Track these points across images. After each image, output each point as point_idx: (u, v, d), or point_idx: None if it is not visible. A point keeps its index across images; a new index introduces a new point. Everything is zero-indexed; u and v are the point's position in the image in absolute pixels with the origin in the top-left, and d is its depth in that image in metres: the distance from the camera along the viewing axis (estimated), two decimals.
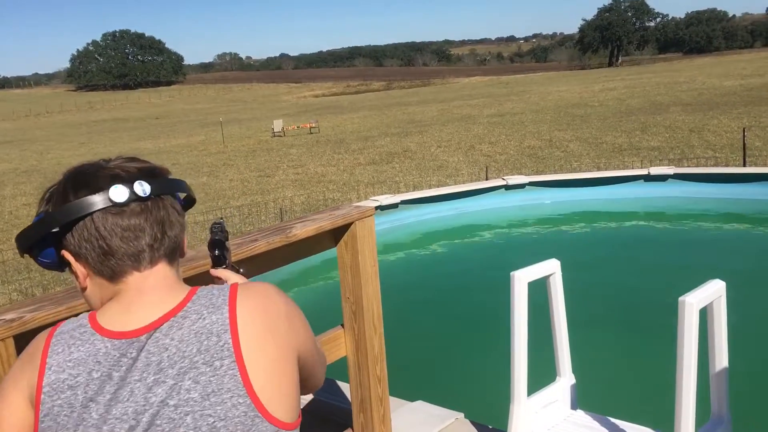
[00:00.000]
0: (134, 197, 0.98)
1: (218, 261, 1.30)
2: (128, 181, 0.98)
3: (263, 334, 0.98)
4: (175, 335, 0.96)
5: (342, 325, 2.50)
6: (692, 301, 2.29)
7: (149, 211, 1.00)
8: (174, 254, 1.05)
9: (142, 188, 0.99)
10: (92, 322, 1.00)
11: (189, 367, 0.94)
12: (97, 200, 0.96)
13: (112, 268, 0.99)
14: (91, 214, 0.97)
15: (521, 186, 9.15)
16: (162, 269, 1.02)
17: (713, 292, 2.42)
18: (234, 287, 1.03)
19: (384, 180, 13.23)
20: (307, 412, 3.04)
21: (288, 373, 1.00)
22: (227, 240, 1.33)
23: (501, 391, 2.84)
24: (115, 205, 0.97)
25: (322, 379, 1.23)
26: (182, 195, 1.12)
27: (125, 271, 1.00)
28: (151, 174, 1.02)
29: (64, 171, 1.04)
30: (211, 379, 0.94)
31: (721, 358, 2.52)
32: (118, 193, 0.97)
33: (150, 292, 1.00)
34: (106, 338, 0.97)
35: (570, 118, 21.48)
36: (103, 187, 0.97)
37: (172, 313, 0.99)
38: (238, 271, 1.32)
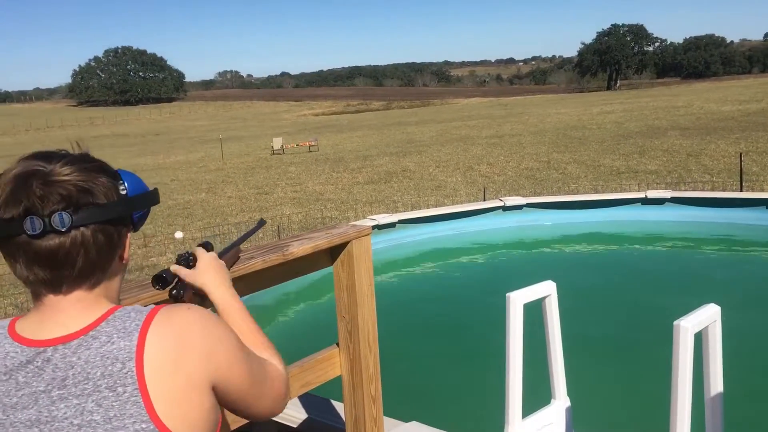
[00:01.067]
0: (50, 229, 0.96)
1: (171, 296, 1.31)
2: (46, 214, 0.96)
3: (171, 365, 0.98)
4: (83, 355, 0.97)
5: (337, 344, 2.50)
6: (687, 326, 2.29)
7: (64, 243, 0.98)
8: (93, 276, 1.03)
9: (61, 221, 0.97)
10: (10, 326, 1.03)
11: (92, 389, 0.95)
12: (13, 226, 0.96)
13: (30, 286, 1.02)
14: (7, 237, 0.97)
15: (519, 207, 9.17)
16: (77, 294, 1.02)
17: (708, 316, 2.42)
18: (153, 312, 1.03)
19: (382, 199, 13.26)
20: (297, 430, 3.02)
21: (197, 404, 1.00)
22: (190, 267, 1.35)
23: (496, 413, 2.83)
24: (29, 235, 0.96)
25: (273, 407, 1.20)
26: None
27: (41, 293, 1.02)
28: (82, 197, 0.99)
29: (18, 162, 1.02)
30: (114, 403, 0.95)
31: (716, 383, 2.51)
32: (32, 225, 0.96)
33: (64, 311, 1.01)
34: (15, 342, 1.00)
35: (568, 140, 21.58)
36: (22, 215, 0.96)
37: (83, 332, 0.99)
38: (201, 298, 1.33)
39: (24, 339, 1.00)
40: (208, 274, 1.32)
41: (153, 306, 1.05)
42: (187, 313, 1.05)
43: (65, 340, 0.99)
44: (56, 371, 0.97)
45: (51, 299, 1.02)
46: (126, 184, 1.08)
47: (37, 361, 0.98)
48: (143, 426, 0.95)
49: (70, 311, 1.01)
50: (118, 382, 0.95)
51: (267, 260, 2.11)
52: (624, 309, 6.06)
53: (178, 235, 10.90)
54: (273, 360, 1.23)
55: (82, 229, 0.99)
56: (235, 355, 1.07)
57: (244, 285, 2.24)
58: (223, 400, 1.07)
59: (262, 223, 1.89)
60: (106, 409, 0.95)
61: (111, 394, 0.95)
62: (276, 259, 2.13)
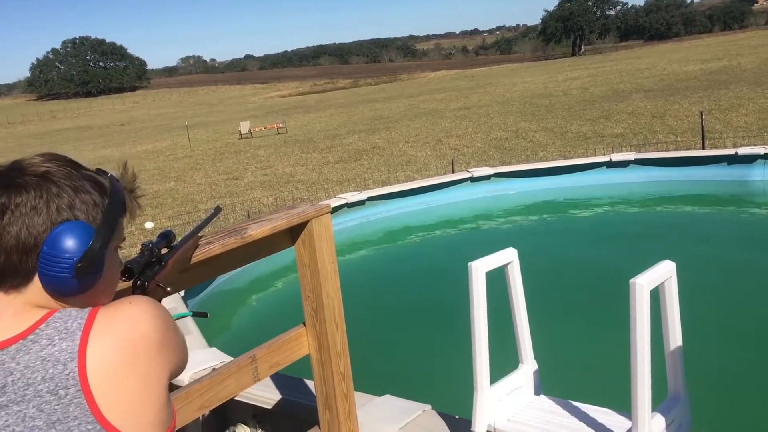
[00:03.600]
0: None
1: (134, 287, 1.32)
2: None
3: (121, 368, 0.94)
4: (21, 360, 0.94)
5: (304, 324, 2.52)
6: (642, 282, 2.35)
7: None
8: (16, 280, 0.98)
9: None
10: None
11: (33, 395, 0.92)
12: None
13: None
14: None
15: (486, 178, 9.24)
16: (3, 298, 0.99)
17: (664, 272, 2.48)
18: (94, 311, 0.98)
19: (353, 177, 13.25)
20: (273, 411, 3.05)
21: (152, 404, 0.97)
22: (153, 257, 1.37)
23: (468, 381, 2.89)
24: None
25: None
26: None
27: None
28: None
29: None
30: (56, 407, 0.92)
31: (675, 338, 2.58)
32: None
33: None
34: None
35: (535, 108, 21.70)
36: None
37: (21, 336, 0.96)
38: (164, 290, 1.35)
39: None
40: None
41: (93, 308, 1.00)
42: (130, 309, 1.00)
43: (1, 346, 0.95)
44: None
45: None
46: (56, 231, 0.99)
47: None
48: (89, 428, 0.92)
49: (4, 316, 0.98)
50: (59, 384, 0.92)
51: (226, 244, 2.11)
52: (586, 271, 6.18)
53: (149, 225, 10.75)
54: None
55: None
56: (179, 336, 1.06)
57: (204, 270, 2.25)
58: (171, 378, 1.05)
59: (218, 210, 1.89)
60: (48, 413, 0.92)
61: (53, 398, 0.92)
62: (234, 242, 2.13)
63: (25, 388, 0.93)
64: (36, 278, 0.99)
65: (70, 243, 0.98)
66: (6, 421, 0.92)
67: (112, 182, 1.08)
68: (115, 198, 1.06)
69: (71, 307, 1.03)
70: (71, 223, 0.99)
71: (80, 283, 1.01)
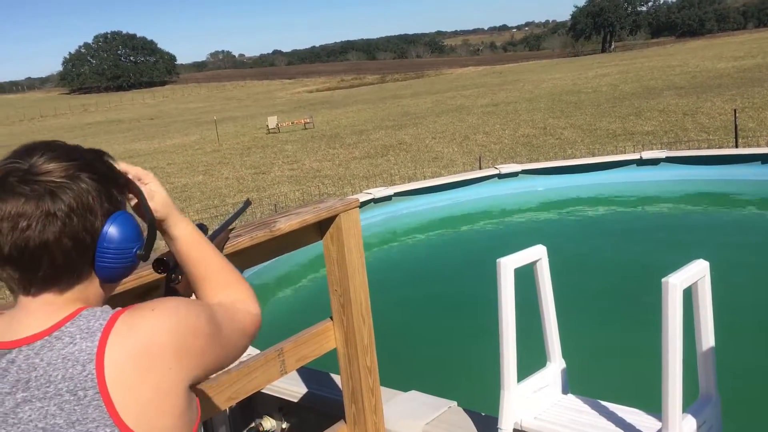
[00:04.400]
0: None
1: (169, 279, 1.33)
2: None
3: (136, 375, 0.94)
4: (45, 356, 0.95)
5: (331, 318, 2.52)
6: (675, 282, 2.31)
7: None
8: (62, 281, 0.99)
9: None
10: None
11: (54, 393, 0.93)
12: None
13: (6, 285, 1.01)
14: None
15: (514, 174, 9.17)
16: (46, 297, 0.99)
17: (697, 272, 2.43)
18: (117, 313, 0.99)
19: (379, 173, 13.25)
20: (299, 404, 3.06)
21: (168, 411, 0.97)
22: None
23: (494, 379, 2.87)
24: None
25: (243, 350, 1.15)
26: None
27: (15, 293, 1.01)
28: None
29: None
30: (75, 408, 0.93)
31: (708, 338, 2.53)
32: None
33: (32, 313, 0.99)
34: None
35: (564, 105, 21.49)
36: None
37: (47, 332, 0.97)
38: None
39: None
40: (166, 202, 1.20)
41: (118, 309, 1.01)
42: (151, 317, 0.99)
43: (29, 341, 0.96)
44: (20, 373, 0.95)
45: (22, 300, 1.00)
46: (109, 224, 1.00)
47: (2, 363, 0.96)
48: (107, 430, 0.93)
49: (38, 314, 0.99)
50: (78, 385, 0.93)
51: (254, 237, 2.11)
52: (617, 269, 6.11)
53: None
54: (246, 301, 1.18)
55: None
56: (213, 341, 1.04)
57: (233, 262, 2.26)
58: (204, 380, 1.07)
59: (247, 203, 1.89)
60: (68, 413, 0.93)
61: (72, 398, 0.93)
62: (263, 236, 2.14)
63: (47, 385, 0.94)
64: (83, 273, 1.00)
65: (129, 232, 1.01)
66: (29, 415, 0.94)
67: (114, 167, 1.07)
68: (135, 185, 1.09)
69: (111, 291, 1.07)
70: (120, 214, 1.02)
71: (134, 268, 1.05)
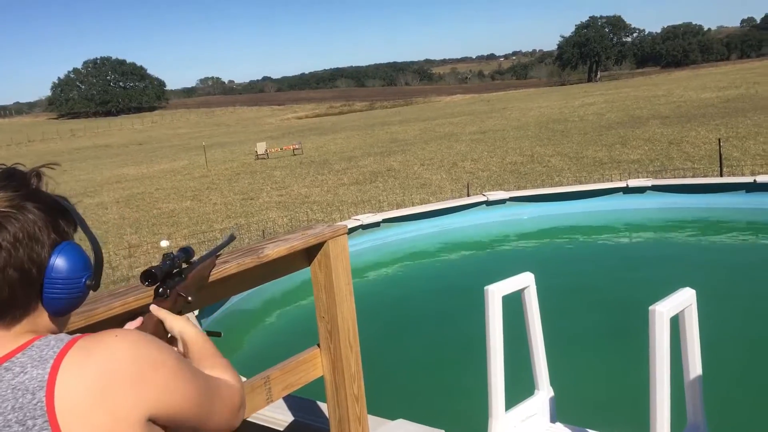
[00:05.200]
0: None
1: (157, 293, 1.31)
2: None
3: (91, 400, 0.90)
4: None
5: (318, 345, 2.50)
6: (662, 310, 2.32)
7: None
8: (8, 315, 0.95)
9: None
10: None
11: (3, 425, 0.89)
12: None
13: None
14: None
15: (502, 201, 9.21)
16: None
17: (684, 300, 2.44)
18: (74, 339, 0.96)
19: (368, 199, 13.26)
20: None
21: None
22: (175, 268, 1.36)
23: (482, 407, 2.85)
24: None
25: (229, 421, 1.14)
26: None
27: None
28: None
29: None
30: None
31: (695, 365, 2.54)
32: None
33: None
34: None
35: (551, 133, 21.69)
36: None
37: None
38: (186, 300, 1.34)
39: None
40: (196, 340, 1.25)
41: (77, 335, 0.97)
42: (113, 343, 0.95)
43: None
44: None
45: None
46: (57, 255, 0.98)
47: None
48: None
49: None
50: (27, 414, 0.89)
51: (242, 263, 2.11)
52: (604, 297, 6.11)
53: (164, 243, 10.84)
54: (225, 375, 1.18)
55: None
56: (176, 378, 1.00)
57: (221, 288, 2.25)
58: (172, 424, 1.01)
59: (232, 237, 1.87)
60: None
61: (21, 428, 0.88)
62: (251, 262, 2.13)
63: None
64: (29, 306, 0.97)
65: (77, 263, 0.99)
66: None
67: (64, 200, 1.04)
68: (76, 213, 1.05)
69: (62, 325, 1.03)
70: (67, 244, 0.99)
71: (83, 299, 1.03)
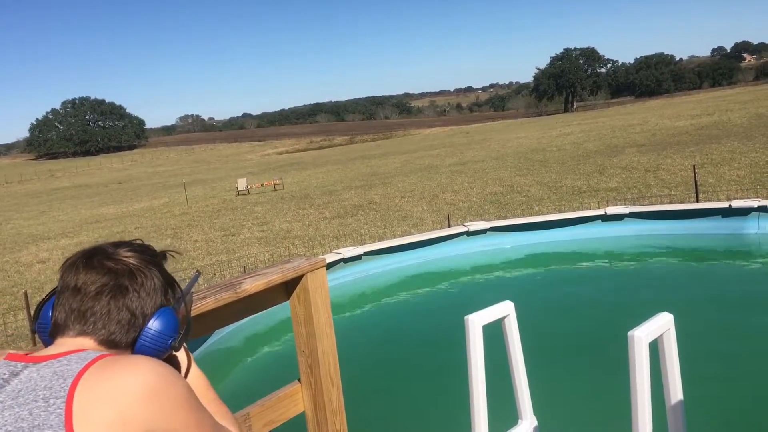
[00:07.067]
0: None
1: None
2: None
3: (103, 393, 1.04)
4: (43, 372, 1.07)
5: (299, 380, 2.48)
6: (641, 335, 2.33)
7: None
8: (119, 348, 1.19)
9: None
10: (23, 354, 1.16)
11: (32, 399, 1.03)
12: None
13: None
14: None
15: (483, 231, 9.25)
16: (80, 340, 1.17)
17: (662, 325, 2.46)
18: (112, 353, 1.15)
19: (350, 233, 13.26)
20: None
21: None
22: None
23: None
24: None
25: None
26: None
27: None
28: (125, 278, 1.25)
29: None
30: (42, 413, 1.02)
31: (676, 390, 2.54)
32: None
33: (62, 345, 1.17)
34: (2, 360, 1.13)
35: (530, 163, 21.91)
36: None
37: (53, 357, 1.11)
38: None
39: (9, 354, 1.13)
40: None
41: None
42: (140, 358, 1.13)
43: (36, 359, 1.11)
44: (18, 384, 1.06)
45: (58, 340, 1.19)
46: (159, 314, 1.25)
47: (5, 374, 1.08)
48: None
49: (62, 347, 1.15)
50: (53, 394, 1.03)
51: (219, 299, 2.09)
52: (584, 324, 6.13)
53: None
54: (228, 424, 1.33)
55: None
56: (187, 405, 1.13)
57: (199, 326, 2.23)
58: None
59: (197, 276, 1.86)
60: (34, 417, 1.01)
61: (43, 404, 1.02)
62: (229, 297, 2.12)
63: (30, 392, 1.05)
64: (121, 345, 1.20)
65: (171, 325, 1.26)
66: (4, 420, 1.03)
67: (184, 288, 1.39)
68: (181, 290, 1.39)
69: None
70: (169, 309, 1.27)
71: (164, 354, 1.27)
